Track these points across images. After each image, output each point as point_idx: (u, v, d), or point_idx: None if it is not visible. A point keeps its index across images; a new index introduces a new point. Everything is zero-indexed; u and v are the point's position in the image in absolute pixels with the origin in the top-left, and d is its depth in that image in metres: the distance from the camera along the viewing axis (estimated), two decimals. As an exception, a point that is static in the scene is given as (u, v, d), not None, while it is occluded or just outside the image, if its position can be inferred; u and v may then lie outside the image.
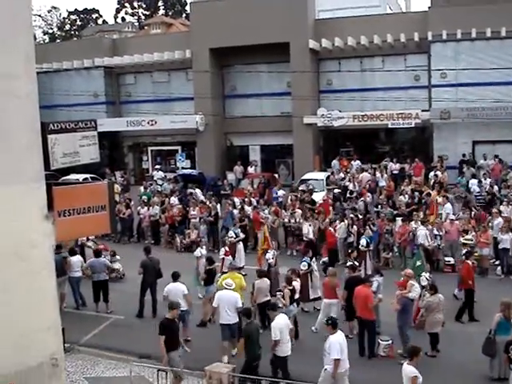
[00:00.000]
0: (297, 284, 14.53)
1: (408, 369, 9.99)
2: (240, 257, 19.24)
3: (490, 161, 29.15)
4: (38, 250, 8.22)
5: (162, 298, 14.56)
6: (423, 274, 15.06)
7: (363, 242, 17.87)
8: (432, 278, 14.99)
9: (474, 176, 27.02)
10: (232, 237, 19.54)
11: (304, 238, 20.69)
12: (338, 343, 11.01)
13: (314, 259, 17.05)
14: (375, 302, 13.62)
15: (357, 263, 16.29)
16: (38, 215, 8.22)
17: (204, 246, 18.74)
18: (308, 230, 20.69)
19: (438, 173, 27.53)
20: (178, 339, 12.08)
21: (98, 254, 16.93)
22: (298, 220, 22.02)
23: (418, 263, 16.01)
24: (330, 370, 11.00)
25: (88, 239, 20.30)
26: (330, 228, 20.53)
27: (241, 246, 19.87)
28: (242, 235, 20.50)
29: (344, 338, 11.38)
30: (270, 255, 16.97)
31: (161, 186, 29.65)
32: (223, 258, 17.28)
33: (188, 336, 14.39)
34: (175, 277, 14.29)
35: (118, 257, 19.82)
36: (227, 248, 18.14)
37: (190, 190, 27.25)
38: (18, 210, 7.92)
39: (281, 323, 11.81)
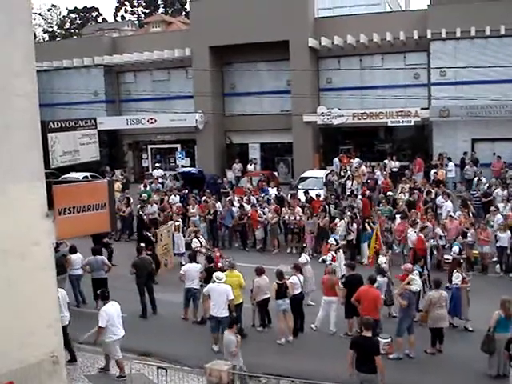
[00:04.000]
0: (295, 279, 14.57)
1: None
2: (340, 262, 17.94)
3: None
4: (38, 248, 8.25)
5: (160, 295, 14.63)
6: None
7: (455, 249, 17.42)
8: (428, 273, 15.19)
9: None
10: (333, 244, 18.49)
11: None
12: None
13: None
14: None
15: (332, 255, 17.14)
16: (38, 214, 8.25)
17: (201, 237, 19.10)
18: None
19: (441, 171, 27.64)
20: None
21: (95, 251, 16.92)
22: (297, 217, 22.07)
23: None
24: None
25: (201, 245, 18.86)
26: (421, 234, 18.77)
27: (341, 253, 18.69)
28: (342, 242, 19.67)
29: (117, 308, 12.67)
30: (383, 259, 16.25)
31: (161, 184, 29.67)
32: (330, 264, 16.41)
33: (197, 317, 15.46)
34: (192, 257, 15.97)
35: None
36: (334, 253, 17.64)
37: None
38: (18, 209, 7.95)
39: None
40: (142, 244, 17.77)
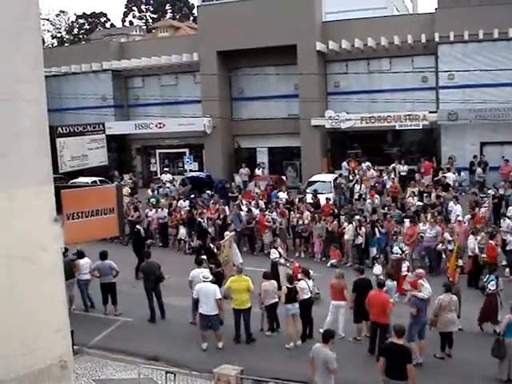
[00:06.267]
0: (303, 283, 14.55)
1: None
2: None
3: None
4: (47, 254, 8.25)
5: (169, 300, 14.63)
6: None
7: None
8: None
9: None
10: (397, 253, 17.78)
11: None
12: None
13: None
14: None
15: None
16: (47, 218, 8.26)
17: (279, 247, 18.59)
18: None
19: (449, 174, 27.58)
20: None
21: (103, 256, 16.94)
22: (305, 222, 22.05)
23: None
24: None
25: (280, 255, 18.09)
26: (491, 241, 18.16)
27: (406, 264, 17.42)
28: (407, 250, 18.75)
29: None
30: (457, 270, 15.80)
31: (169, 188, 29.72)
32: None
33: None
34: (199, 262, 15.51)
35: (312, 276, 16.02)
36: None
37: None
38: (27, 214, 7.96)
39: None
40: (204, 256, 17.12)
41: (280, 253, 18.16)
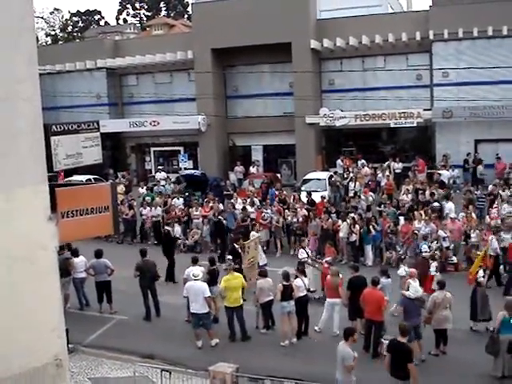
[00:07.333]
0: (299, 281, 14.57)
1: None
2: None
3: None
4: (43, 252, 8.26)
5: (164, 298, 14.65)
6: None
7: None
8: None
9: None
10: (426, 251, 17.38)
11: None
12: None
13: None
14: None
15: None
16: (42, 217, 8.27)
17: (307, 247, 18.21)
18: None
19: (444, 171, 27.66)
20: None
21: (98, 254, 16.91)
22: (300, 219, 22.06)
23: None
24: None
25: (308, 256, 17.54)
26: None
27: (435, 264, 16.64)
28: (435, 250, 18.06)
29: None
30: (481, 273, 15.10)
31: (164, 186, 29.68)
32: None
33: None
34: (194, 261, 15.35)
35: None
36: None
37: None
38: (23, 213, 7.97)
39: None
40: (230, 256, 16.72)
41: (308, 253, 17.67)
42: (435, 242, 19.00)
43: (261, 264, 17.90)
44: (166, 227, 21.80)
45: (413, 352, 10.82)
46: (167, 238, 20.76)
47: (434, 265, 16.51)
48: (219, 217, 22.72)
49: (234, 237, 20.22)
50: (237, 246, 18.17)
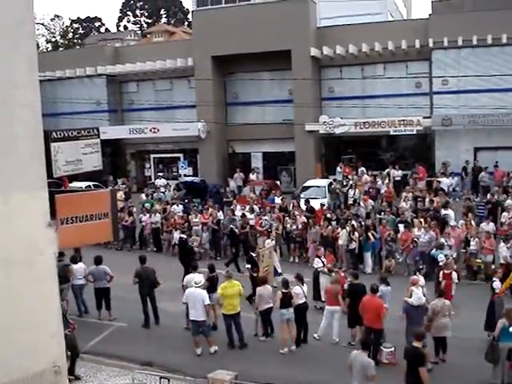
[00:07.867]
0: (298, 289, 14.54)
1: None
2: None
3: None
4: (41, 258, 8.26)
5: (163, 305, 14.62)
6: None
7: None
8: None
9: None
10: (442, 260, 16.92)
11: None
12: None
13: None
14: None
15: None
16: (41, 223, 8.26)
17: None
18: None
19: (443, 179, 27.66)
20: None
21: (97, 261, 16.87)
22: (299, 227, 22.05)
23: None
24: None
25: (324, 265, 17.19)
26: None
27: (455, 275, 15.99)
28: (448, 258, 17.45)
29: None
30: (498, 284, 14.90)
31: (163, 193, 29.68)
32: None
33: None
34: (194, 268, 15.49)
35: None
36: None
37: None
38: (21, 218, 7.96)
39: None
40: (248, 266, 16.94)
41: (323, 262, 17.39)
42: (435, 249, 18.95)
43: (279, 272, 18.27)
44: (182, 235, 21.52)
45: (426, 357, 10.80)
46: (183, 246, 20.78)
47: (455, 273, 15.98)
48: (231, 226, 22.63)
49: (248, 245, 20.48)
50: (254, 255, 17.88)
